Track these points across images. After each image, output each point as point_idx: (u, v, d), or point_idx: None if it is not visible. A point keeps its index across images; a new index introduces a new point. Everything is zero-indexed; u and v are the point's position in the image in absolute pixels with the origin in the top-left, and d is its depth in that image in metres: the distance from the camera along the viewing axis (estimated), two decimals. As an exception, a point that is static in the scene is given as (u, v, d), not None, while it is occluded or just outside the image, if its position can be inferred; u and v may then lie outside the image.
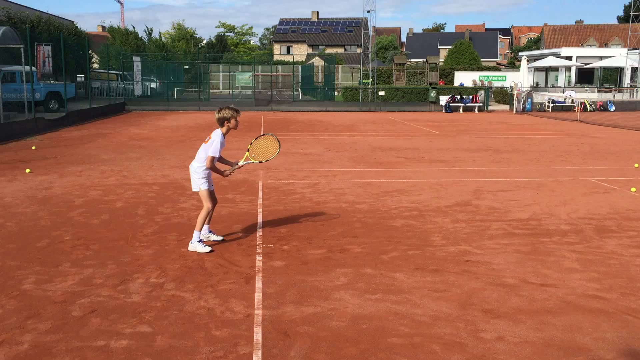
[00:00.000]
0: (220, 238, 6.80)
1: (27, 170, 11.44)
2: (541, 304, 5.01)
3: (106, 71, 34.75)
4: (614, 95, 38.38)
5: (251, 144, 6.82)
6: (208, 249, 6.37)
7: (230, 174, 6.61)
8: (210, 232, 6.77)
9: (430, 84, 38.29)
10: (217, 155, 6.34)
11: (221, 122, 6.41)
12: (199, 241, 6.40)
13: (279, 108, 33.61)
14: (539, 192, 9.82)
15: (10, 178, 10.75)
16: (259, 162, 6.84)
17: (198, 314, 4.74)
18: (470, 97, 33.41)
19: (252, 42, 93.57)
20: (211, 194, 6.52)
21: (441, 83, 39.74)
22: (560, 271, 5.86)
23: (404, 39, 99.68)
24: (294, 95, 40.32)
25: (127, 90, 35.67)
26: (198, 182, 6.46)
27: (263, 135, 6.95)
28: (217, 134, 6.36)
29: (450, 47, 66.90)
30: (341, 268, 5.90)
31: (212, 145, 6.33)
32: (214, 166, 6.39)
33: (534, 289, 5.36)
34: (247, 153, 6.78)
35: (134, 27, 56.79)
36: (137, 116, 27.92)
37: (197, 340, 4.28)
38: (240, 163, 6.70)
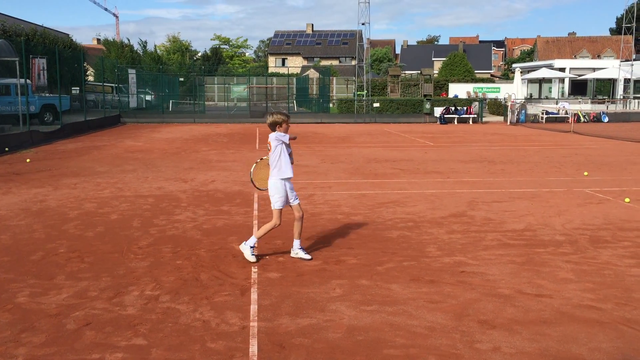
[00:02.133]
0: (309, 257, 6.58)
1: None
2: (536, 314, 5.01)
3: (101, 84, 34.78)
4: (607, 107, 38.63)
5: (261, 159, 6.91)
6: (254, 258, 6.43)
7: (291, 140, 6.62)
8: (300, 248, 6.64)
9: (425, 95, 38.47)
10: (286, 141, 6.41)
11: (273, 126, 6.45)
12: (252, 247, 6.48)
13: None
14: (534, 203, 9.85)
15: (4, 191, 10.72)
16: (258, 188, 6.93)
17: (193, 327, 4.72)
18: (465, 108, 33.56)
19: (247, 54, 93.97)
20: (280, 213, 6.49)
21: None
22: (556, 282, 5.87)
23: (398, 51, 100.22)
24: (289, 107, 40.42)
25: (122, 103, 35.67)
26: (273, 200, 6.50)
27: (262, 159, 6.92)
28: (273, 135, 6.40)
29: (444, 59, 67.25)
30: (337, 279, 5.90)
31: (279, 141, 6.37)
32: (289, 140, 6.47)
33: (529, 299, 5.37)
34: (254, 165, 6.95)
35: (129, 40, 57.06)
36: (132, 128, 27.92)
37: (193, 352, 4.27)
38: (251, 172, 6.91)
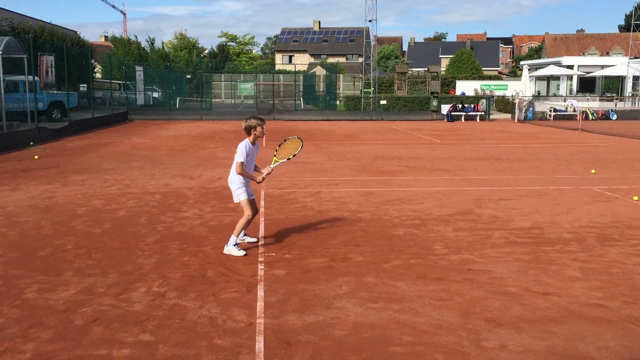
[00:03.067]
0: (255, 240, 7.10)
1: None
2: (543, 312, 5.00)
3: (109, 81, 34.87)
4: (616, 104, 38.39)
5: (276, 150, 7.05)
6: (243, 252, 6.58)
7: (262, 180, 6.80)
8: (245, 235, 7.05)
9: (432, 93, 38.36)
10: (242, 160, 6.55)
11: (248, 130, 6.68)
12: (235, 244, 6.61)
13: (281, 117, 33.69)
14: (541, 201, 9.81)
15: (13, 187, 10.78)
16: (287, 159, 7.02)
17: (200, 323, 4.74)
18: (472, 106, 33.46)
19: (254, 51, 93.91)
20: (251, 203, 6.73)
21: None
22: (563, 280, 5.85)
23: (405, 48, 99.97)
24: (296, 104, 40.39)
25: (130, 100, 35.78)
26: (236, 193, 6.71)
27: (285, 140, 7.15)
28: (241, 143, 6.62)
29: (451, 56, 67.04)
30: (343, 277, 5.90)
31: (237, 153, 6.60)
32: (243, 171, 6.61)
33: (536, 297, 5.36)
34: (274, 157, 7.00)
35: (136, 37, 57.16)
36: (139, 125, 28.00)
37: (200, 349, 4.28)
38: (271, 166, 6.90)
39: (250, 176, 6.72)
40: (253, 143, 6.71)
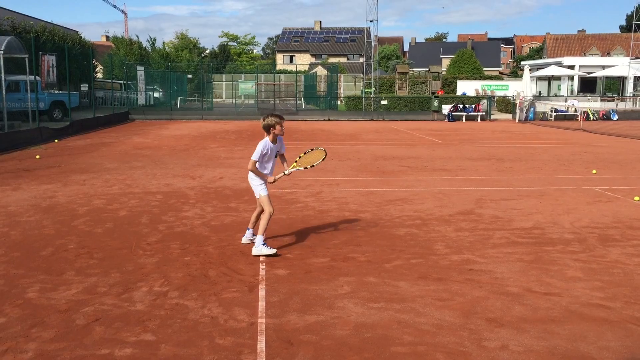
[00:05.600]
0: (247, 242, 7.03)
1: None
2: (545, 312, 5.00)
3: (110, 81, 34.91)
4: (617, 105, 38.37)
5: (299, 156, 6.99)
6: (274, 250, 6.53)
7: (274, 181, 6.73)
8: (248, 229, 7.07)
9: (433, 93, 38.38)
10: (255, 159, 6.54)
11: (267, 129, 6.58)
12: (263, 243, 6.54)
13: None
14: (542, 201, 9.81)
15: (14, 187, 10.79)
16: (304, 168, 6.98)
17: (202, 323, 4.74)
18: (473, 106, 33.45)
19: (255, 51, 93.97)
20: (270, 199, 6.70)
21: (440, 92, 39.71)
22: (564, 280, 5.85)
23: (406, 48, 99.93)
24: (297, 104, 40.41)
25: (131, 100, 35.81)
26: (257, 189, 6.69)
27: (312, 150, 7.06)
28: (261, 142, 6.60)
29: (452, 56, 67.01)
30: (344, 277, 5.91)
31: (256, 150, 6.57)
32: (254, 168, 6.58)
33: (537, 297, 5.36)
34: (294, 163, 6.96)
35: (137, 37, 57.14)
36: (140, 125, 28.02)
37: (201, 348, 4.29)
38: (287, 172, 6.85)
39: (262, 175, 6.66)
40: (274, 141, 6.62)
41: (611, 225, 8.19)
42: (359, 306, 5.11)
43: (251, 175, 6.70)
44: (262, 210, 6.70)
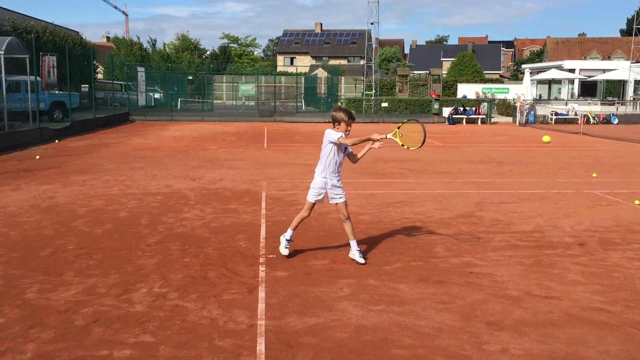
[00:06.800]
0: (362, 261, 6.41)
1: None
2: (545, 316, 4.99)
3: (110, 81, 34.91)
4: (617, 108, 38.40)
5: (400, 125, 6.43)
6: (287, 252, 6.49)
7: (378, 139, 6.13)
8: (357, 250, 6.46)
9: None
10: (341, 134, 6.07)
11: (332, 122, 6.29)
12: (288, 240, 6.49)
13: (282, 119, 33.70)
14: (542, 204, 9.80)
15: (14, 187, 10.78)
16: (402, 144, 6.39)
17: (201, 324, 4.73)
18: (473, 109, 33.46)
19: (255, 53, 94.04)
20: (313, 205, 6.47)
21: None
22: (564, 283, 5.84)
23: (407, 50, 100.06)
24: (297, 106, 40.45)
25: (131, 101, 35.81)
26: (341, 192, 6.38)
27: (414, 121, 6.44)
28: (328, 129, 6.22)
29: (453, 59, 67.11)
30: (344, 279, 5.90)
31: (329, 135, 6.15)
32: (351, 140, 6.05)
33: (537, 301, 5.35)
34: (396, 130, 6.40)
35: (138, 38, 57.21)
36: (140, 126, 28.02)
37: (201, 350, 4.27)
38: (389, 135, 6.28)
39: (363, 140, 6.06)
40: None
41: (611, 228, 8.18)
42: (358, 309, 5.10)
43: (314, 178, 6.36)
44: (347, 217, 6.40)
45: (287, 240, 6.54)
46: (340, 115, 6.19)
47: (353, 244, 6.45)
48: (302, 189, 11.02)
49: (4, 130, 18.54)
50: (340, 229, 7.92)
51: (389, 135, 6.32)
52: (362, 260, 6.36)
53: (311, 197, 6.46)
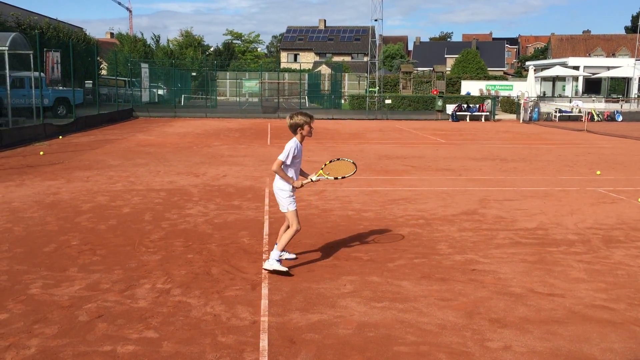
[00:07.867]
0: (294, 256, 6.39)
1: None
2: (548, 313, 4.99)
3: (114, 77, 34.93)
4: (622, 106, 38.24)
5: (325, 164, 6.29)
6: (285, 269, 5.87)
7: (301, 186, 6.04)
8: (284, 250, 6.12)
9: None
10: (283, 160, 5.84)
11: (294, 129, 6.01)
12: (278, 260, 5.90)
13: (286, 115, 33.62)
14: (546, 202, 9.79)
15: (18, 183, 10.81)
16: (334, 178, 6.24)
17: (204, 320, 4.74)
18: (477, 106, 33.39)
19: (259, 49, 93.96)
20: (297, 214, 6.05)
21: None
22: (568, 281, 5.83)
23: (410, 47, 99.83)
24: (301, 102, 40.42)
25: (135, 97, 35.82)
26: (285, 202, 5.96)
27: (337, 159, 6.37)
28: (290, 142, 5.95)
29: (457, 56, 66.96)
30: (347, 276, 5.90)
31: (283, 151, 5.90)
32: (279, 170, 5.87)
33: (541, 298, 5.34)
34: (320, 170, 6.26)
35: (142, 34, 57.18)
36: (144, 122, 28.04)
37: (204, 346, 4.28)
38: (313, 178, 6.15)
39: (287, 178, 5.92)
40: (302, 142, 6.02)
41: (615, 226, 8.16)
42: (361, 305, 5.11)
43: (278, 183, 6.00)
44: (289, 226, 6.00)
45: (277, 260, 5.94)
46: (301, 118, 5.98)
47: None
48: (305, 185, 11.01)
49: (8, 126, 18.57)
50: (343, 226, 7.92)
51: (313, 178, 6.14)
52: (283, 269, 5.88)
53: (293, 205, 6.02)
